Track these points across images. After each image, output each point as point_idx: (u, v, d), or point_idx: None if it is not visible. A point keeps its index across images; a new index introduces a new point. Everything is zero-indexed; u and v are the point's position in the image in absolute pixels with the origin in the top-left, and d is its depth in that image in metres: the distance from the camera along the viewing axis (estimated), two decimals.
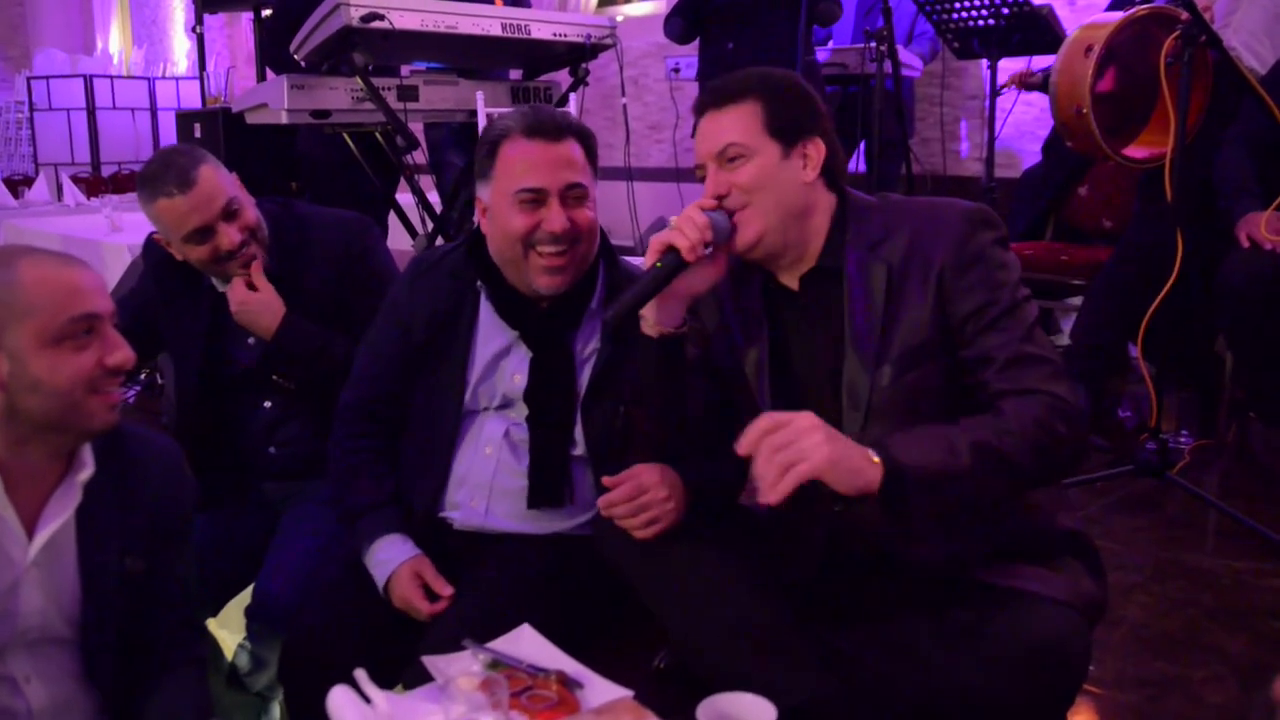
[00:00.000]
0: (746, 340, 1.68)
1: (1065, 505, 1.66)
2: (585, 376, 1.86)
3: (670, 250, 1.57)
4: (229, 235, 2.07)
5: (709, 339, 1.73)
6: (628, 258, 1.99)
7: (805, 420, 1.38)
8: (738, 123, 1.59)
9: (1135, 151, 3.17)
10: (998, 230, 1.57)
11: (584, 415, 1.85)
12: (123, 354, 1.46)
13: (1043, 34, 3.82)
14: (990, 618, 1.46)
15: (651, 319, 1.62)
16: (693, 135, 1.70)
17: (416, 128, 4.49)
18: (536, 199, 1.77)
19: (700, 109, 1.65)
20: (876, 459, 1.38)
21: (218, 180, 2.07)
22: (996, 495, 1.49)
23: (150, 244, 2.25)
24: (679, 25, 4.48)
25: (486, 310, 1.88)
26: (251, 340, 2.20)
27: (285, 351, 2.13)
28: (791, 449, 1.35)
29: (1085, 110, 2.99)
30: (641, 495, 1.63)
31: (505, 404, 1.87)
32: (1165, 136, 3.09)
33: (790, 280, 1.66)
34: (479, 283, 1.89)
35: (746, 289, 1.70)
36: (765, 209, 1.59)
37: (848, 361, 1.57)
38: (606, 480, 1.66)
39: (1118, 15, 3.07)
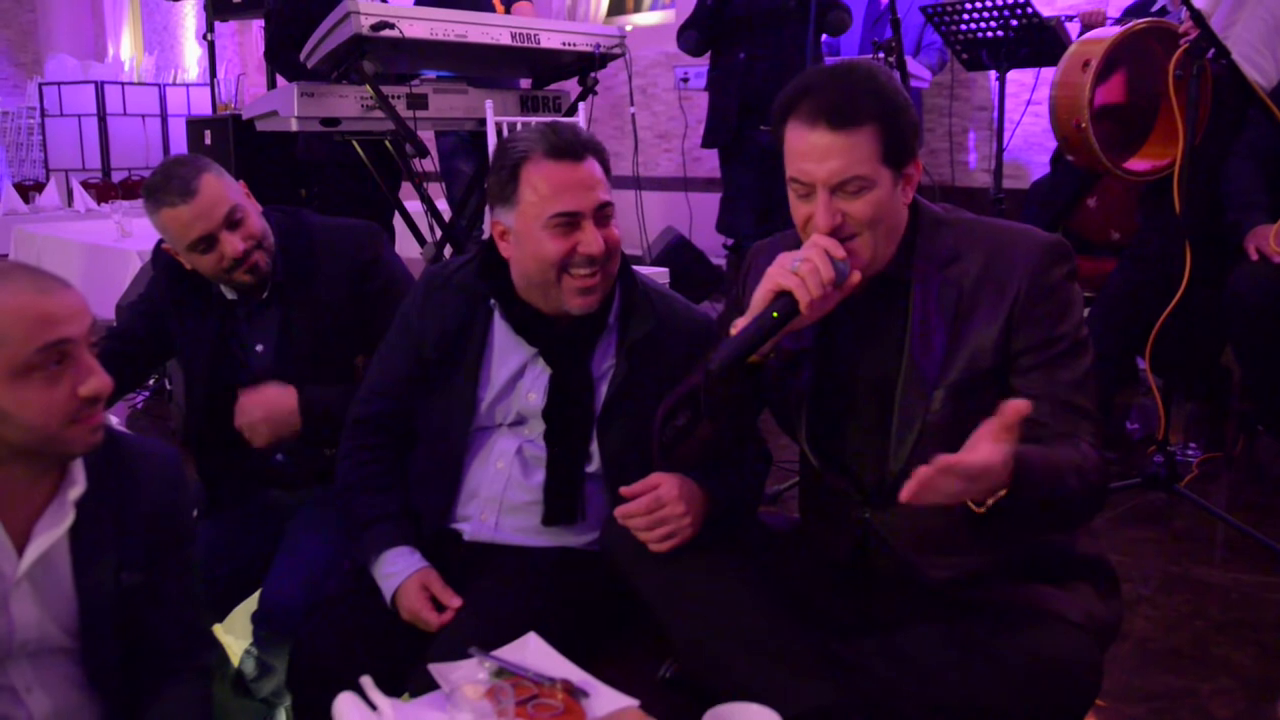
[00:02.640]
0: (795, 342, 1.64)
1: (1086, 528, 1.65)
2: (601, 394, 1.86)
3: (785, 296, 1.48)
4: (232, 244, 2.08)
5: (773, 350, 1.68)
6: (636, 267, 1.99)
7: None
8: (861, 153, 1.49)
9: (1136, 164, 3.18)
10: (1071, 263, 1.54)
11: (600, 432, 1.85)
12: (96, 382, 1.41)
13: (1051, 46, 3.82)
14: (1001, 634, 1.46)
15: None
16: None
17: (426, 135, 4.51)
18: (571, 222, 1.74)
19: (810, 119, 1.50)
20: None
21: (220, 188, 2.08)
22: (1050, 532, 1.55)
23: (159, 251, 2.26)
24: (694, 38, 4.50)
25: (501, 328, 1.87)
26: (260, 347, 2.21)
27: (322, 423, 2.10)
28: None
29: (1084, 125, 3.01)
30: (660, 509, 1.62)
31: (519, 421, 1.87)
32: (1166, 149, 3.11)
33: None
34: (492, 301, 1.88)
35: None
36: (875, 240, 1.52)
37: (903, 378, 1.55)
38: (625, 490, 1.65)
39: (1116, 30, 3.09)
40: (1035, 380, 1.50)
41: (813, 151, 1.50)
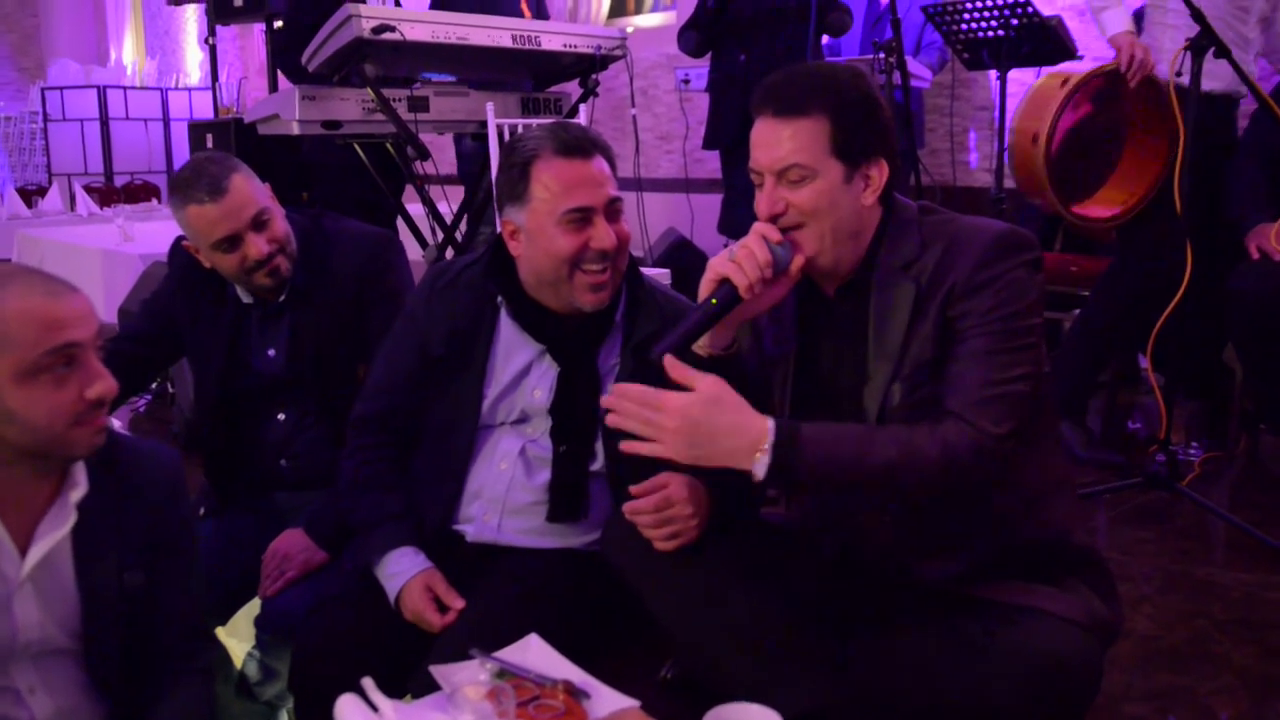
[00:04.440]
0: (776, 345, 1.66)
1: (1079, 520, 1.66)
2: (607, 391, 1.86)
3: (725, 283, 1.52)
4: (257, 245, 2.08)
5: (740, 342, 1.69)
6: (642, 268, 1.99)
7: (674, 418, 1.42)
8: (803, 141, 1.51)
9: (1094, 210, 3.22)
10: (1024, 254, 1.51)
11: (605, 430, 1.85)
12: (103, 385, 1.43)
13: (1053, 45, 3.82)
14: (1000, 633, 1.46)
15: (702, 342, 1.59)
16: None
17: (446, 139, 4.49)
18: (583, 218, 1.75)
19: (760, 108, 1.56)
20: (759, 470, 1.42)
21: (249, 190, 2.08)
22: (889, 501, 1.57)
23: (177, 249, 2.26)
24: (694, 39, 4.50)
25: (507, 325, 1.88)
26: (271, 352, 2.21)
27: (337, 534, 2.08)
28: (653, 440, 1.43)
29: (1048, 193, 3.06)
30: (668, 509, 1.63)
31: (522, 419, 1.87)
32: (1123, 194, 3.16)
33: (827, 287, 1.63)
34: (499, 298, 1.88)
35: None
36: (820, 232, 1.53)
37: (869, 378, 1.56)
38: (634, 489, 1.65)
39: (1059, 86, 3.10)
40: (959, 361, 1.49)
41: (760, 139, 1.55)
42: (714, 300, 1.52)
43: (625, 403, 1.47)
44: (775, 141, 1.53)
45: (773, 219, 1.54)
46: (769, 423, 1.42)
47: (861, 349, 1.58)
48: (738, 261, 1.50)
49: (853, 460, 1.44)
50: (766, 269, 1.51)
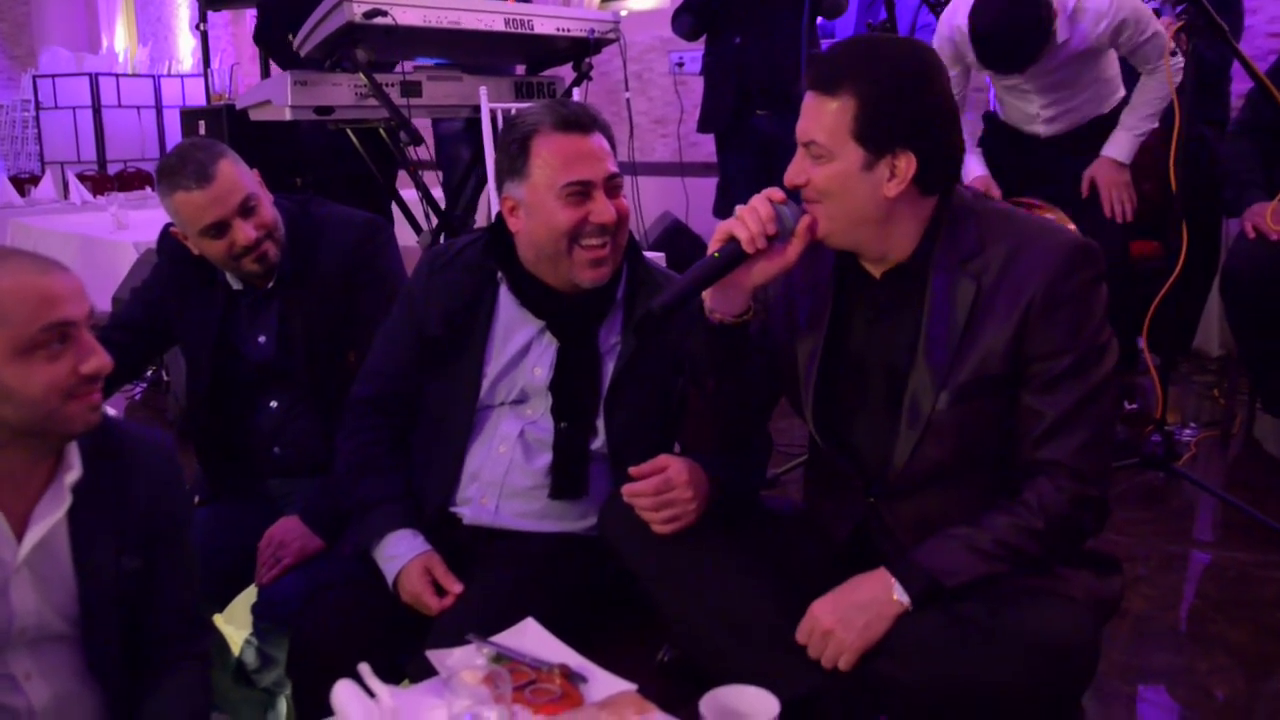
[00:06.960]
0: (808, 322, 1.64)
1: None
2: (608, 370, 1.87)
3: (731, 240, 1.52)
4: (245, 231, 2.07)
5: (770, 311, 1.68)
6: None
7: (827, 620, 1.49)
8: (827, 119, 1.49)
9: None
10: (1096, 268, 1.50)
11: (606, 409, 1.85)
12: (97, 361, 1.44)
13: None
14: (999, 612, 1.46)
15: (710, 306, 1.57)
16: None
17: (424, 121, 4.48)
18: (583, 191, 1.76)
19: (807, 76, 1.54)
20: (903, 600, 1.49)
21: (236, 176, 2.08)
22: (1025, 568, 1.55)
23: (166, 236, 2.25)
24: (688, 22, 4.48)
25: (507, 303, 1.88)
26: (262, 338, 2.21)
27: (332, 520, 2.08)
28: (828, 652, 1.49)
29: None
30: (668, 492, 1.63)
31: (521, 399, 1.87)
32: None
33: (873, 269, 1.60)
34: (499, 275, 1.88)
35: (819, 265, 1.63)
36: (833, 213, 1.52)
37: (915, 373, 1.53)
38: (634, 470, 1.65)
39: None
40: (1040, 397, 1.49)
41: (802, 111, 1.54)
42: (716, 254, 1.52)
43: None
44: (806, 113, 1.52)
45: (794, 189, 1.54)
46: (882, 571, 1.51)
47: (906, 338, 1.55)
48: (741, 217, 1.52)
49: (968, 554, 1.49)
50: (769, 224, 1.51)
